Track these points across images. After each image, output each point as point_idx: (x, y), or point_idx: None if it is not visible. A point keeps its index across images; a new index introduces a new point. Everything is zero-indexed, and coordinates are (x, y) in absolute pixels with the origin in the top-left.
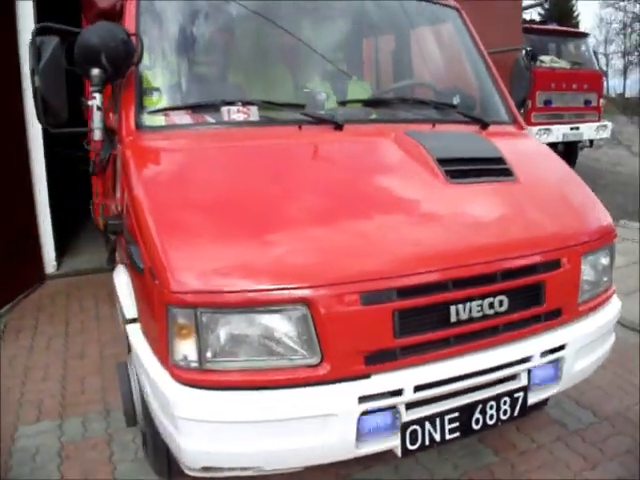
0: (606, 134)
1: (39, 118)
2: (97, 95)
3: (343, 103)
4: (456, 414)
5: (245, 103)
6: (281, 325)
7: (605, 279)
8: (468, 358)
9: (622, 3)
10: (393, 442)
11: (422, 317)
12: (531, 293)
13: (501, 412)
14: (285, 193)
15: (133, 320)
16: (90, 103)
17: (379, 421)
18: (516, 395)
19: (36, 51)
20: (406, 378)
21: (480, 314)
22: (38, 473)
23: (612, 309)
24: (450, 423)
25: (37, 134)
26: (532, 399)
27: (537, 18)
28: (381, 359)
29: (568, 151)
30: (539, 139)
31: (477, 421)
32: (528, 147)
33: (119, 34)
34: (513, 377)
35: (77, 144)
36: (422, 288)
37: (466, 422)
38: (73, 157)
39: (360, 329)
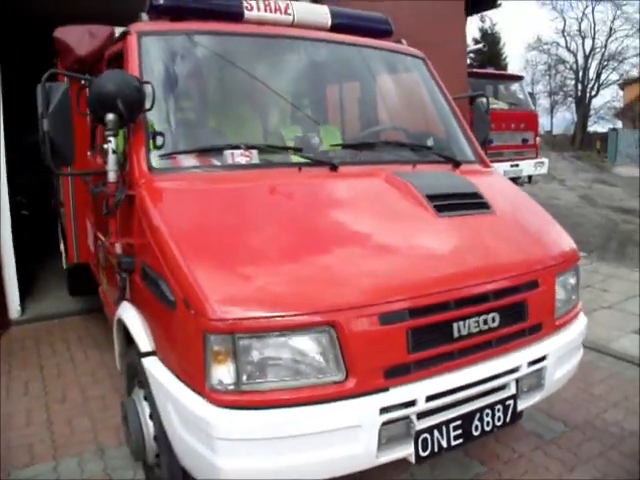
0: (544, 170)
1: (47, 160)
2: (112, 139)
3: (336, 146)
4: (459, 422)
5: (248, 147)
6: (310, 346)
7: (574, 297)
8: (469, 370)
9: (546, 46)
10: (408, 450)
11: (430, 334)
12: (517, 310)
13: (495, 419)
14: (298, 227)
15: (148, 353)
16: (105, 146)
17: (395, 431)
18: (507, 403)
19: (45, 96)
20: (419, 389)
21: (477, 329)
22: None
23: (581, 324)
24: (454, 430)
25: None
26: (521, 406)
27: (469, 61)
28: (397, 373)
29: None
30: None
31: (476, 428)
32: (497, 183)
33: (132, 81)
34: (504, 387)
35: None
36: (430, 308)
37: (467, 429)
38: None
39: (379, 346)
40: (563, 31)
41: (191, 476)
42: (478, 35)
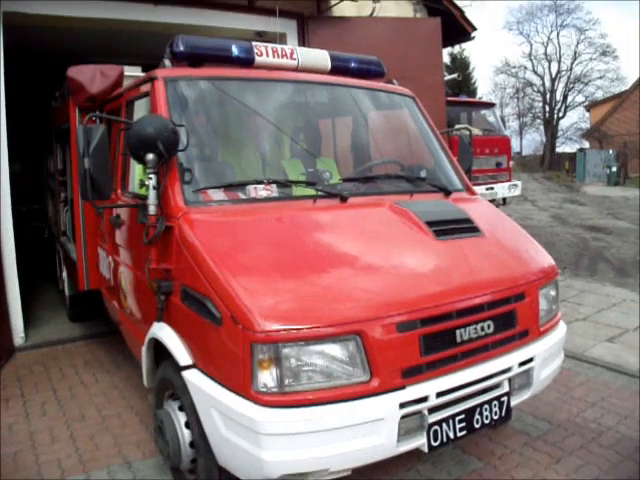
0: (517, 192)
1: (86, 194)
2: (153, 176)
3: (344, 180)
4: (463, 416)
5: (269, 182)
6: (341, 352)
7: (554, 307)
8: (470, 370)
9: (514, 70)
10: (421, 440)
11: (438, 340)
12: (507, 318)
13: (493, 413)
14: (320, 250)
15: (188, 367)
16: (147, 183)
17: (411, 424)
18: (502, 399)
19: (86, 137)
20: (430, 387)
21: (475, 335)
22: None
23: (561, 330)
24: (459, 423)
25: (6, 212)
26: (513, 402)
27: None
28: (412, 373)
29: None
30: None
31: (477, 421)
32: (483, 208)
33: (169, 124)
34: (499, 385)
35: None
36: (437, 318)
37: (470, 422)
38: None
39: (397, 351)
40: (530, 55)
41: (227, 476)
42: (448, 60)
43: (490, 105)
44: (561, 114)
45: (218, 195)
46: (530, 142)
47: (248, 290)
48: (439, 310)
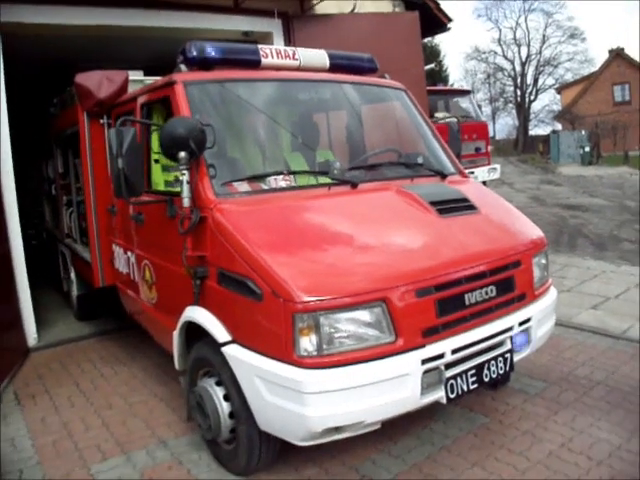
0: (496, 175)
1: (120, 192)
2: (186, 172)
3: (350, 169)
4: (474, 371)
5: (289, 172)
6: (369, 317)
7: (545, 273)
8: (478, 330)
9: (484, 55)
10: (440, 393)
11: (450, 303)
12: (507, 283)
13: (499, 368)
14: (341, 229)
15: (226, 343)
16: (181, 178)
17: (432, 378)
18: (506, 356)
19: (119, 138)
20: (446, 345)
21: (481, 299)
22: None
23: (553, 294)
24: (471, 377)
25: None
26: (516, 358)
27: None
28: (430, 333)
29: None
30: None
31: (486, 375)
32: (476, 188)
33: (197, 125)
34: (502, 343)
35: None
36: (449, 284)
37: (480, 376)
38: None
39: (417, 314)
40: (499, 40)
41: (266, 440)
42: None
43: (466, 92)
44: (532, 97)
45: (243, 187)
46: (503, 126)
47: (285, 268)
48: (450, 277)
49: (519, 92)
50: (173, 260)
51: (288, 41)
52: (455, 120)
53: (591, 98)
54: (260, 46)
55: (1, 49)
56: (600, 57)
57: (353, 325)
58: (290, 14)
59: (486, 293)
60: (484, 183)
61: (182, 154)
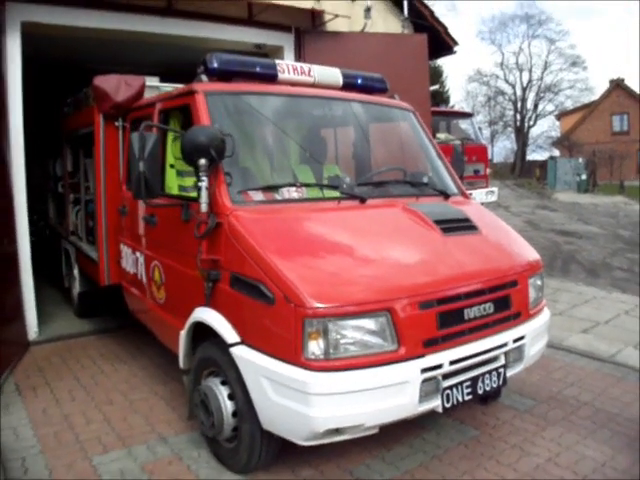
0: (494, 198)
1: (140, 193)
2: (205, 179)
3: (359, 184)
4: (469, 383)
5: (301, 185)
6: (374, 325)
7: (540, 294)
8: (475, 344)
9: (485, 78)
10: (436, 402)
11: (450, 317)
12: (504, 301)
13: (492, 382)
14: (349, 241)
15: (234, 344)
16: (200, 184)
17: (429, 387)
18: (499, 370)
19: (141, 143)
20: (444, 356)
21: (479, 314)
22: None
23: (546, 314)
24: (466, 389)
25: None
26: (509, 373)
27: None
28: (431, 344)
29: None
30: None
31: (480, 388)
32: (477, 210)
33: (217, 133)
34: (496, 358)
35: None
36: (450, 298)
37: (474, 388)
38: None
39: (419, 325)
40: (501, 64)
41: (268, 439)
42: None
43: (468, 115)
44: (532, 122)
45: (257, 196)
46: (501, 149)
47: (297, 275)
48: (451, 292)
49: (519, 117)
50: (184, 262)
51: (298, 56)
52: (459, 142)
53: (590, 126)
54: (277, 61)
55: (19, 49)
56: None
57: (359, 332)
58: (302, 29)
59: (484, 309)
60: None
61: (202, 161)
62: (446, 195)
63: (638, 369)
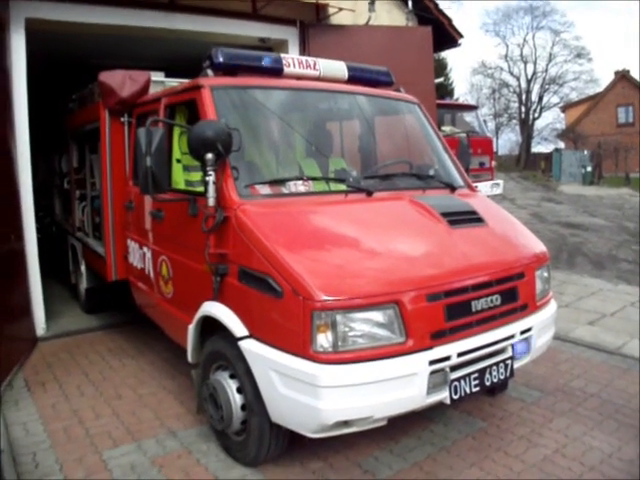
0: (499, 190)
1: (147, 188)
2: (212, 173)
3: (365, 177)
4: (476, 374)
5: (308, 178)
6: (382, 318)
7: (547, 287)
8: (482, 335)
9: (490, 70)
10: (444, 394)
11: (458, 309)
12: (511, 293)
13: (500, 374)
14: (357, 234)
15: (243, 337)
16: (207, 179)
17: (437, 379)
18: (507, 362)
19: (148, 138)
20: (452, 348)
21: (487, 306)
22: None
23: (553, 306)
24: (474, 380)
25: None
26: (516, 365)
27: None
28: (438, 336)
29: None
30: None
31: (487, 379)
32: (484, 202)
33: (224, 128)
34: (504, 350)
35: None
36: (457, 291)
37: (482, 380)
38: None
39: (427, 317)
40: (506, 56)
41: (277, 432)
42: None
43: (473, 108)
44: (537, 115)
45: (264, 189)
46: (506, 142)
47: (305, 268)
48: (458, 285)
49: (523, 109)
50: (192, 257)
51: (303, 49)
52: (465, 135)
53: (595, 118)
54: (283, 55)
55: (24, 45)
56: (605, 78)
57: (367, 325)
58: (306, 23)
59: (491, 301)
60: None
61: (209, 155)
62: (452, 188)
63: None
